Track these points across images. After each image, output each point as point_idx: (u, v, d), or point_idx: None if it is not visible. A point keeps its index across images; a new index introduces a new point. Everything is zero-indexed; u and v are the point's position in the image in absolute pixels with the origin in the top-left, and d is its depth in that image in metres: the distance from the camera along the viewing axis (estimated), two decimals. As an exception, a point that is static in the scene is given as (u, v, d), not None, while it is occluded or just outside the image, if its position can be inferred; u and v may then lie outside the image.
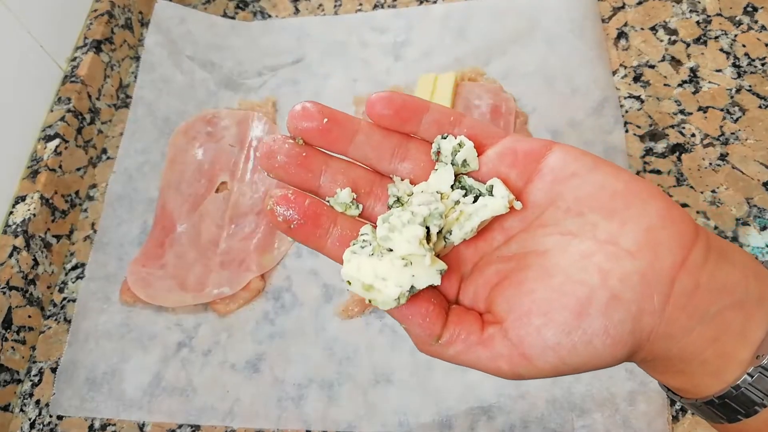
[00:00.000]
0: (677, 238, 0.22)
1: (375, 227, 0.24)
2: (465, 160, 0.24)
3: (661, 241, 0.22)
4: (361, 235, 0.24)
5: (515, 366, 0.22)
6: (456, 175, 0.25)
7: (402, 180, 0.26)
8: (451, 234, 0.24)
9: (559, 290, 0.22)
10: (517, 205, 0.24)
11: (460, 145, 0.24)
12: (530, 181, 0.24)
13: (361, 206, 0.25)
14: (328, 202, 0.25)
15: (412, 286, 0.23)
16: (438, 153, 0.25)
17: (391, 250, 0.23)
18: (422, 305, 0.23)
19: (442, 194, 0.25)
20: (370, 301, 0.23)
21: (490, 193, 0.24)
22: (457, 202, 0.24)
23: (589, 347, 0.21)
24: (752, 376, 0.22)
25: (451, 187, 0.25)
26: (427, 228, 0.23)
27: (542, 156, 0.24)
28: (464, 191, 0.25)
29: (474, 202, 0.24)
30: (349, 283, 0.23)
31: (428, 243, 0.23)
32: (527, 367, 0.22)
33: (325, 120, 0.24)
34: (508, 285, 0.23)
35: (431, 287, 0.24)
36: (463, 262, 0.25)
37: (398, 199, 0.25)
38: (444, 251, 0.25)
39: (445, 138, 0.25)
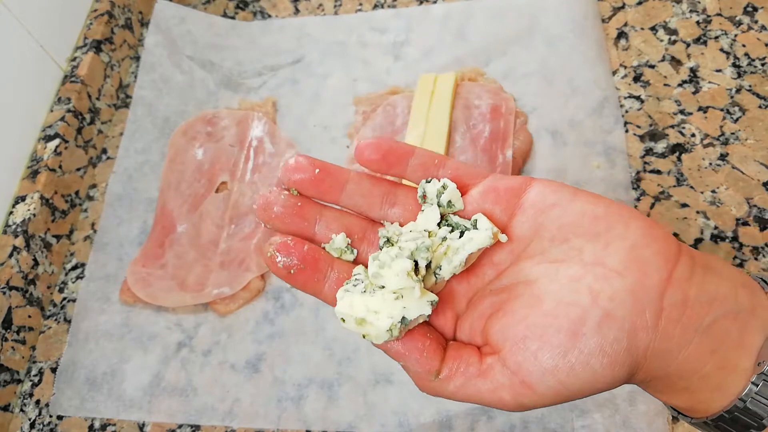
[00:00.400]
0: (661, 254, 0.23)
1: (367, 268, 0.25)
2: (450, 201, 0.26)
3: (646, 258, 0.22)
4: (354, 275, 0.25)
5: (517, 395, 0.22)
6: (442, 216, 0.26)
7: (392, 224, 0.27)
8: (440, 269, 0.25)
9: (552, 314, 0.22)
10: (503, 237, 0.25)
11: (444, 187, 0.26)
12: (514, 216, 0.25)
13: (355, 251, 0.26)
14: (324, 248, 0.26)
15: (404, 317, 0.23)
16: (424, 196, 0.26)
17: (383, 287, 0.24)
18: (418, 341, 0.24)
19: (429, 232, 0.26)
20: (364, 336, 0.24)
21: (475, 227, 0.25)
22: (445, 239, 0.25)
23: (587, 368, 0.22)
24: (757, 385, 0.22)
25: (438, 225, 0.26)
26: (416, 262, 0.24)
27: (522, 191, 0.25)
28: (451, 228, 0.26)
29: (460, 237, 0.25)
30: (343, 320, 0.24)
31: (417, 276, 0.24)
32: (529, 396, 0.22)
33: (317, 170, 0.26)
34: (501, 315, 0.24)
35: (427, 325, 0.25)
36: (458, 299, 0.26)
37: (388, 240, 0.26)
38: (436, 287, 0.26)
39: (429, 182, 0.26)
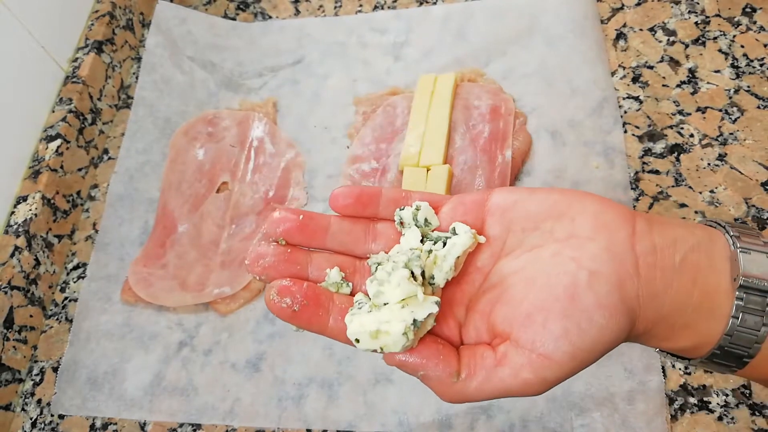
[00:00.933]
0: (620, 216, 0.25)
1: (367, 293, 0.26)
2: (426, 219, 0.28)
3: (608, 221, 0.25)
4: (356, 301, 0.27)
5: (538, 370, 0.23)
6: (423, 235, 0.28)
7: (378, 254, 0.28)
8: (434, 278, 0.26)
9: (547, 287, 0.24)
10: (481, 239, 0.27)
11: (417, 208, 0.28)
12: (484, 222, 0.28)
13: (351, 284, 0.28)
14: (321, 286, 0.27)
15: (415, 320, 0.24)
16: (401, 223, 0.28)
17: (386, 304, 0.25)
18: (432, 347, 0.25)
19: (414, 249, 0.27)
20: (381, 350, 0.24)
21: (455, 234, 0.27)
22: (430, 251, 0.27)
23: (593, 324, 0.23)
24: (741, 299, 0.24)
25: (421, 242, 0.27)
26: (411, 271, 0.26)
27: (485, 200, 0.28)
28: (433, 242, 0.28)
29: (444, 246, 0.27)
30: (357, 341, 0.25)
31: (416, 281, 0.25)
32: (550, 366, 0.23)
33: (301, 217, 0.27)
34: (501, 305, 0.25)
35: (434, 335, 0.26)
36: (456, 307, 0.27)
37: (380, 264, 0.27)
38: (433, 296, 0.27)
39: (402, 209, 0.28)
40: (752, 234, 0.25)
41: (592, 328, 0.23)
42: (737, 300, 0.24)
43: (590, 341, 0.23)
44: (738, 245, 0.24)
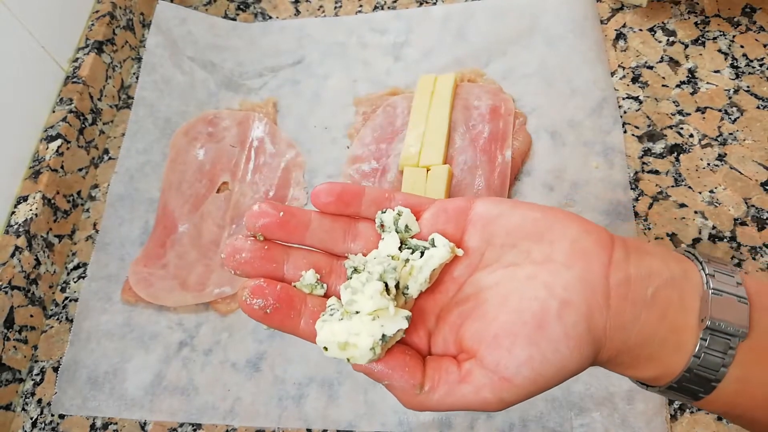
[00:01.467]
0: (598, 243, 0.25)
1: (340, 298, 0.26)
2: (407, 225, 0.28)
3: (586, 248, 0.25)
4: (329, 306, 0.27)
5: (498, 391, 0.24)
6: (402, 241, 0.28)
7: (356, 255, 0.28)
8: (408, 288, 0.26)
9: (517, 310, 0.24)
10: (459, 251, 0.27)
11: (399, 214, 0.28)
12: (465, 231, 0.28)
13: (325, 285, 0.28)
14: (295, 286, 0.27)
15: (384, 335, 0.24)
16: (382, 225, 0.28)
17: (358, 312, 0.25)
18: (399, 358, 0.25)
19: (392, 256, 0.27)
20: (348, 360, 0.25)
21: (433, 245, 0.27)
22: (407, 260, 0.27)
23: (557, 354, 0.24)
24: (705, 340, 0.24)
25: (399, 249, 0.27)
26: (386, 283, 0.26)
27: (468, 209, 0.28)
28: (411, 250, 0.28)
29: (421, 256, 0.27)
30: (326, 349, 0.25)
31: (389, 295, 0.26)
32: (509, 389, 0.24)
33: (281, 213, 0.27)
34: (471, 321, 0.26)
35: (403, 344, 0.26)
36: (427, 316, 0.27)
37: (355, 269, 0.27)
38: (406, 307, 0.27)
39: (384, 212, 0.28)
40: (727, 272, 0.25)
41: (556, 357, 0.24)
42: (701, 340, 0.24)
43: (553, 370, 0.24)
44: (711, 285, 0.25)
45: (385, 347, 0.25)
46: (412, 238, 0.28)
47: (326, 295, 0.28)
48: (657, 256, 0.26)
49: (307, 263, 0.28)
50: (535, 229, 0.26)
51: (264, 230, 0.27)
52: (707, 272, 0.25)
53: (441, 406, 0.25)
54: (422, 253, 0.27)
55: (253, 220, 0.27)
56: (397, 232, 0.28)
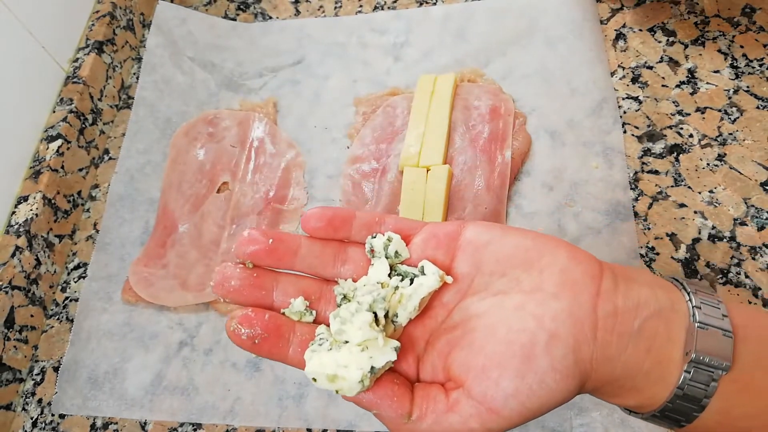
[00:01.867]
0: (588, 274, 0.25)
1: (329, 326, 0.26)
2: (396, 251, 0.28)
3: (575, 279, 0.25)
4: (318, 335, 0.27)
5: (485, 422, 0.24)
6: (391, 267, 0.28)
7: (345, 280, 0.28)
8: (397, 317, 0.27)
9: (505, 341, 0.24)
10: (448, 279, 0.27)
11: (389, 240, 0.28)
12: (454, 257, 0.28)
13: (314, 312, 0.28)
14: (284, 313, 0.27)
15: (372, 367, 0.25)
16: (372, 251, 0.28)
17: (347, 342, 0.25)
18: (388, 387, 0.25)
19: (382, 283, 0.27)
20: (337, 392, 0.25)
21: (423, 273, 0.27)
22: (397, 288, 0.27)
23: (543, 386, 0.24)
24: (689, 372, 0.24)
25: (389, 275, 0.27)
26: (375, 313, 0.26)
27: (458, 234, 0.28)
28: (401, 277, 0.28)
29: (411, 284, 0.27)
30: (315, 380, 0.25)
31: (378, 326, 0.26)
32: (496, 420, 0.24)
33: (270, 240, 0.27)
34: (459, 349, 0.26)
35: (392, 371, 0.26)
36: (416, 342, 0.27)
37: (345, 296, 0.27)
38: (395, 334, 0.27)
39: (374, 237, 0.28)
40: (713, 304, 0.25)
41: (542, 389, 0.24)
42: (685, 372, 0.24)
43: (539, 402, 0.24)
44: (697, 318, 0.25)
45: (374, 378, 0.25)
46: (402, 263, 0.28)
47: (315, 322, 0.28)
48: (645, 285, 0.26)
49: (297, 290, 0.28)
50: (525, 257, 0.26)
51: (253, 257, 0.27)
52: (694, 304, 0.25)
53: None
54: (411, 281, 0.27)
55: (242, 248, 0.27)
56: (387, 258, 0.28)
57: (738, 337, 0.25)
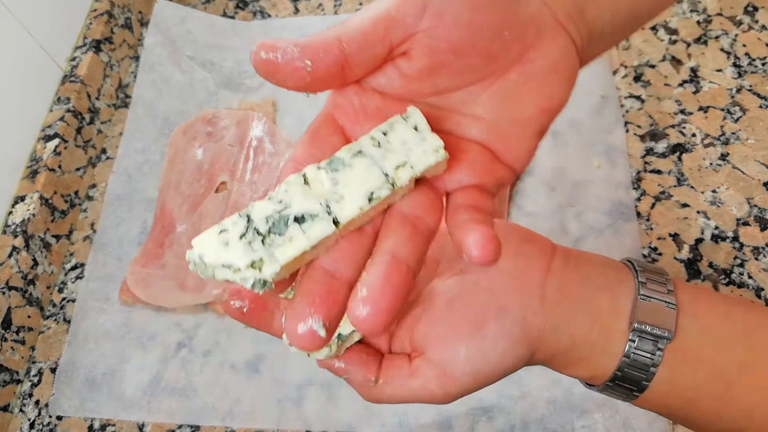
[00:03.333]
0: (539, 251, 0.28)
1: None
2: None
3: (528, 255, 0.28)
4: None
5: (443, 385, 0.26)
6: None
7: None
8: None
9: (461, 312, 0.27)
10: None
11: None
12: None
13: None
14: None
15: (340, 334, 0.26)
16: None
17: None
18: (357, 356, 0.27)
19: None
20: (309, 355, 0.27)
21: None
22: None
23: (494, 351, 0.26)
24: (634, 341, 0.26)
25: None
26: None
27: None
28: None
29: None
30: (291, 344, 0.22)
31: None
32: (454, 384, 0.26)
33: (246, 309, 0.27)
34: (422, 323, 0.28)
35: (364, 344, 0.28)
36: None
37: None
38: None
39: None
40: (660, 281, 0.27)
41: (494, 354, 0.26)
42: (630, 341, 0.26)
43: (491, 367, 0.26)
44: (641, 292, 0.26)
45: (342, 346, 0.26)
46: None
47: None
48: (595, 264, 0.28)
49: None
50: None
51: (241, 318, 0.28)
52: (640, 280, 0.27)
53: (393, 398, 0.27)
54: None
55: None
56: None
57: (684, 311, 0.26)
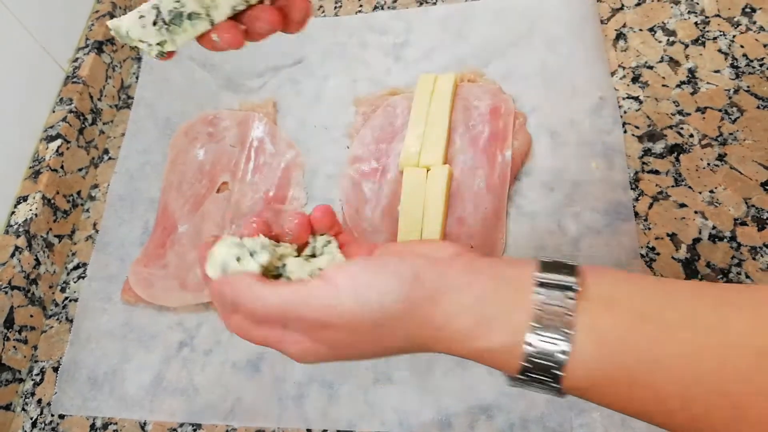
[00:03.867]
0: (448, 251, 0.30)
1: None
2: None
3: (438, 252, 0.30)
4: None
5: (327, 295, 0.28)
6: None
7: None
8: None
9: (376, 258, 0.30)
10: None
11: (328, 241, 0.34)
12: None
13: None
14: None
15: None
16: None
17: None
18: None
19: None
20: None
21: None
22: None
23: (380, 282, 0.27)
24: (540, 293, 0.26)
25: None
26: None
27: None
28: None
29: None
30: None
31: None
32: (336, 295, 0.27)
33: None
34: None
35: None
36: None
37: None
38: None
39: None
40: (562, 258, 0.28)
41: (378, 281, 0.28)
42: (536, 293, 0.26)
43: (374, 294, 0.27)
44: (544, 262, 0.27)
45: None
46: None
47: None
48: (495, 261, 0.29)
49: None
50: (419, 247, 0.32)
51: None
52: (541, 258, 0.28)
53: (284, 294, 0.29)
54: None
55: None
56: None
57: (587, 274, 0.26)
